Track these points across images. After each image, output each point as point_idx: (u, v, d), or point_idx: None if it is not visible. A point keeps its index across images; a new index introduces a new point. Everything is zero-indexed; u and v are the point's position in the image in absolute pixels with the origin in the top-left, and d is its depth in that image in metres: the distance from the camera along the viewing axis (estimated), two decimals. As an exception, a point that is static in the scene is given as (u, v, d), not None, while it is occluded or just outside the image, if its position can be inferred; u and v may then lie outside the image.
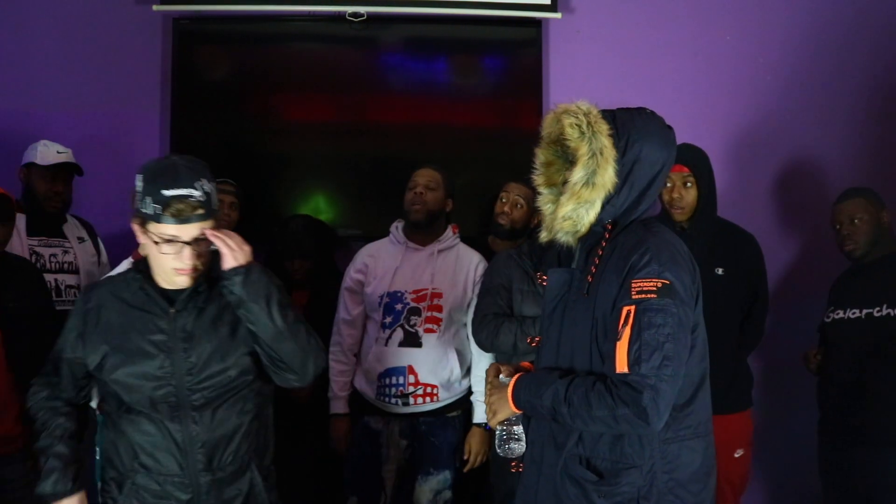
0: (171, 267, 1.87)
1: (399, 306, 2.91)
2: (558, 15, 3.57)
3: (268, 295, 1.85)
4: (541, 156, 1.88)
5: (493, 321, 2.75)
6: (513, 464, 2.50)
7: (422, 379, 2.88)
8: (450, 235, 3.03)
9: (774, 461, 3.53)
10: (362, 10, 3.52)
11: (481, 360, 2.93)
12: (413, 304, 2.90)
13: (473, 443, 2.93)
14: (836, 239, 2.98)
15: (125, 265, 2.39)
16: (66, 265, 3.06)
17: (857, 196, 2.94)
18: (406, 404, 2.88)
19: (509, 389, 1.84)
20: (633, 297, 1.68)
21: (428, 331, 2.89)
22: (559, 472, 1.80)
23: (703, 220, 2.87)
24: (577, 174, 1.73)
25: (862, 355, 2.79)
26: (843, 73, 3.65)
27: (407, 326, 2.90)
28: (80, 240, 3.14)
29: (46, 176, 3.03)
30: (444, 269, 2.96)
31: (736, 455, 2.91)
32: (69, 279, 3.05)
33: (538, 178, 1.89)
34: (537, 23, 3.60)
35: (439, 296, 2.91)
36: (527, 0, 3.57)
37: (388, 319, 2.91)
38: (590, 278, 1.78)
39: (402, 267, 2.95)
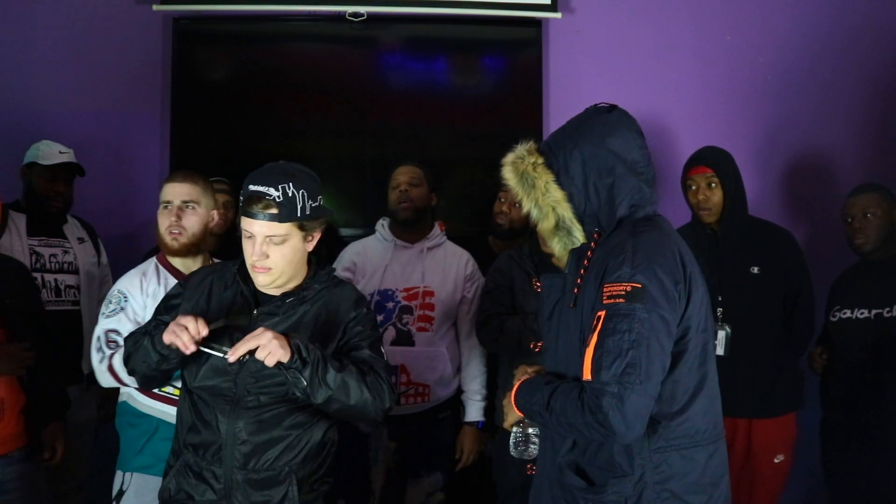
0: (249, 262, 1.93)
1: (390, 304, 2.89)
2: (558, 15, 3.58)
3: (312, 374, 1.83)
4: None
5: (497, 320, 2.76)
6: (528, 465, 2.50)
7: (414, 378, 2.85)
8: (437, 233, 3.02)
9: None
10: (362, 10, 3.53)
11: (472, 360, 2.93)
12: (405, 303, 2.88)
13: (466, 442, 2.92)
14: (846, 232, 2.95)
15: (150, 265, 2.45)
16: (65, 265, 3.05)
17: (871, 191, 2.91)
18: (397, 404, 2.84)
19: (512, 393, 1.85)
20: (605, 301, 1.65)
21: (421, 329, 2.87)
22: (554, 478, 1.81)
23: (732, 220, 2.85)
24: (532, 213, 1.82)
25: (870, 356, 2.75)
26: (842, 74, 3.65)
27: (399, 325, 2.88)
28: (80, 240, 3.13)
29: (48, 175, 3.03)
30: (434, 267, 2.94)
31: (776, 460, 2.86)
32: (69, 279, 3.05)
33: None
34: (537, 23, 3.61)
35: (431, 294, 2.90)
36: (527, 0, 3.57)
37: (380, 318, 2.87)
38: (576, 290, 1.78)
39: (392, 265, 2.94)
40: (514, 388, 1.85)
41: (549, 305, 1.89)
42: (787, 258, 2.89)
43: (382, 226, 3.03)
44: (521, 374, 1.92)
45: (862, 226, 2.88)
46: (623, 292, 1.63)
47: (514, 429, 1.96)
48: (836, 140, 3.65)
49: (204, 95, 3.58)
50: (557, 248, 1.85)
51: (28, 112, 3.47)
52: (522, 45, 3.63)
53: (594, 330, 1.64)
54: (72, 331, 3.01)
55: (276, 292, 2.00)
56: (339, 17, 3.54)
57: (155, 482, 2.20)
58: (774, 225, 2.98)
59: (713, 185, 2.84)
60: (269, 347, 1.77)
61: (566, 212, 1.79)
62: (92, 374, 3.05)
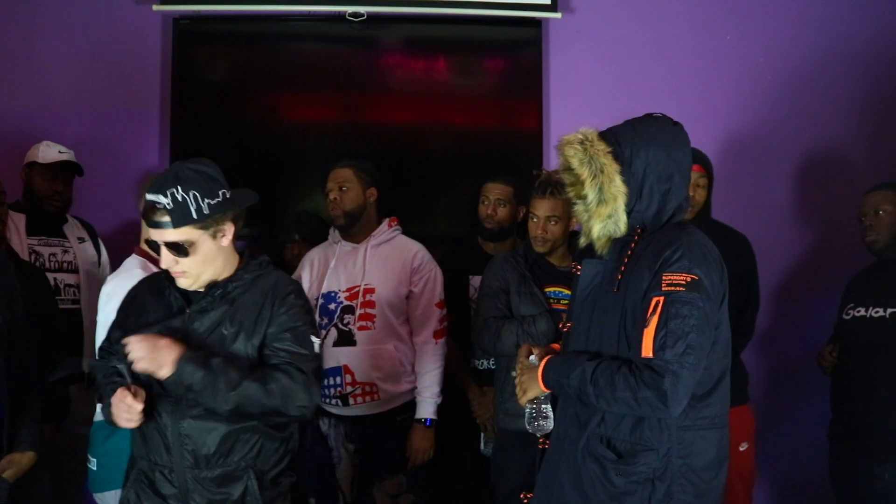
0: (163, 266, 1.95)
1: (332, 306, 2.87)
2: (558, 15, 3.58)
3: (205, 390, 1.88)
4: (565, 179, 2.02)
5: (495, 324, 2.75)
6: (540, 440, 2.52)
7: (358, 378, 2.82)
8: (384, 229, 2.98)
9: (780, 458, 3.52)
10: (362, 10, 3.52)
11: (423, 355, 2.90)
12: (346, 303, 2.86)
13: (414, 440, 2.87)
14: (860, 231, 2.93)
15: (131, 261, 2.46)
16: (65, 264, 3.06)
17: (884, 188, 2.90)
18: (346, 404, 2.84)
19: (539, 369, 1.96)
20: (663, 288, 1.79)
21: (362, 328, 2.85)
22: (580, 451, 1.91)
23: (700, 222, 2.85)
24: (589, 196, 1.90)
25: (884, 355, 2.72)
26: (844, 73, 3.65)
27: (340, 325, 2.86)
28: (80, 240, 3.15)
29: (47, 175, 3.04)
30: (376, 264, 2.91)
31: (741, 448, 2.92)
32: (68, 278, 3.05)
33: (570, 193, 2.01)
34: (537, 23, 3.60)
35: (371, 291, 2.87)
36: (527, 0, 3.57)
37: (324, 320, 2.87)
38: (619, 276, 1.89)
39: (337, 267, 2.92)
40: (542, 365, 1.96)
41: (585, 288, 2.00)
42: (741, 263, 2.93)
43: (333, 229, 3.03)
44: (526, 353, 2.05)
45: (873, 223, 2.86)
46: (683, 282, 1.78)
47: (528, 405, 2.06)
48: (838, 140, 3.64)
49: (204, 95, 3.58)
50: (598, 232, 1.92)
51: (28, 112, 3.47)
52: (522, 45, 3.63)
53: (654, 313, 1.77)
54: (72, 330, 3.01)
55: (182, 286, 2.00)
56: (339, 17, 3.54)
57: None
58: (734, 230, 3.04)
59: (701, 185, 2.92)
60: (144, 362, 1.84)
61: (622, 204, 1.89)
62: (92, 373, 3.08)
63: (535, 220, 2.78)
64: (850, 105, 3.65)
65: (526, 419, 2.07)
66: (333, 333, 2.86)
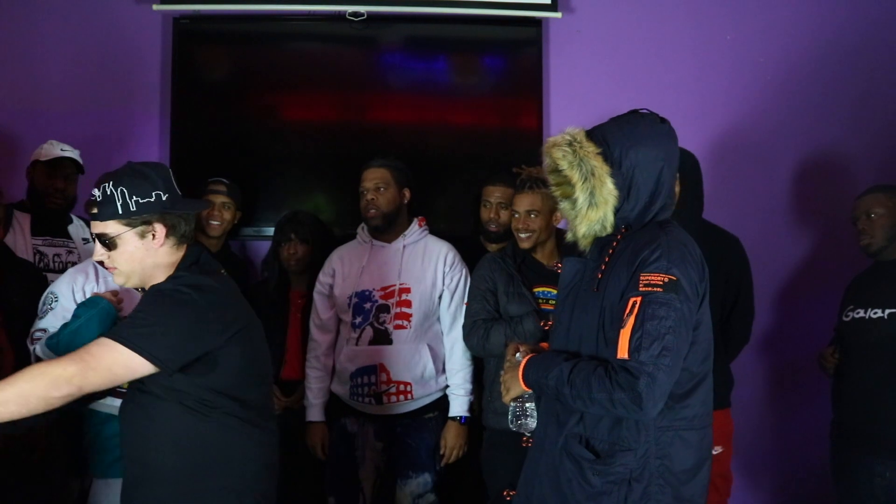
0: (95, 259, 2.01)
1: (368, 305, 2.89)
2: (558, 15, 3.58)
3: None
4: (551, 180, 1.98)
5: (483, 325, 2.76)
6: (524, 438, 2.53)
7: (394, 377, 2.85)
8: (416, 229, 3.00)
9: (783, 457, 3.54)
10: (362, 9, 3.53)
11: (454, 353, 2.92)
12: (382, 302, 2.88)
13: (449, 437, 2.91)
14: (857, 235, 2.94)
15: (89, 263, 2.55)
16: (69, 265, 3.03)
17: (876, 191, 2.92)
18: (380, 403, 2.86)
19: (520, 368, 1.95)
20: (641, 288, 1.76)
21: (398, 327, 2.87)
22: (559, 449, 1.90)
23: (682, 218, 2.78)
24: (579, 199, 1.86)
25: (883, 356, 2.74)
26: (844, 73, 3.66)
27: (376, 324, 2.88)
28: (85, 241, 3.13)
29: (47, 172, 3.04)
30: (411, 264, 2.93)
31: (714, 452, 2.87)
32: (72, 279, 3.04)
33: (555, 193, 1.98)
34: (537, 22, 3.61)
35: (407, 291, 2.90)
36: (527, 0, 3.58)
37: (358, 319, 2.89)
38: (599, 275, 1.87)
39: (369, 266, 2.94)
40: (523, 364, 1.94)
41: (566, 287, 1.99)
42: (729, 264, 2.86)
43: (363, 228, 3.03)
44: (513, 352, 2.04)
45: (866, 227, 2.88)
46: (661, 282, 1.75)
47: (512, 404, 2.05)
48: (838, 140, 3.65)
49: (204, 95, 3.57)
50: (584, 232, 1.90)
51: (28, 112, 3.46)
52: (522, 44, 3.64)
53: (631, 313, 1.75)
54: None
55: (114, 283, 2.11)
56: (339, 16, 3.54)
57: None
58: (723, 230, 2.95)
59: None
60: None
61: (612, 207, 1.86)
62: None
63: (516, 215, 2.79)
64: (849, 105, 3.66)
65: (509, 417, 2.08)
66: (369, 332, 2.88)
